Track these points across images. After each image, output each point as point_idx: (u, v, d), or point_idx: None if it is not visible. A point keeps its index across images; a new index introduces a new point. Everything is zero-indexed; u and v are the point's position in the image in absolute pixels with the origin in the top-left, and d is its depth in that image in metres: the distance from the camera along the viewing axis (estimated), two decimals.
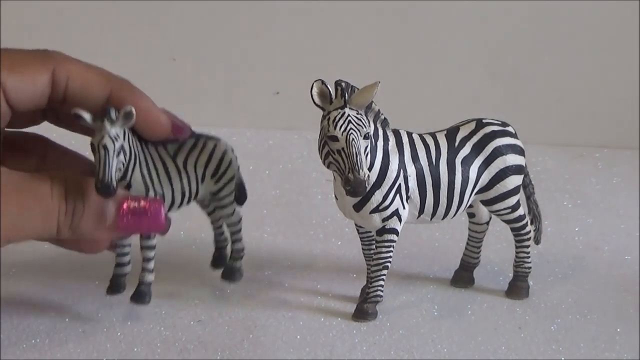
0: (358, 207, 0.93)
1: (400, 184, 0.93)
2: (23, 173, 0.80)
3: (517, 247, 1.02)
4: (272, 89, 1.69)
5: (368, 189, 0.88)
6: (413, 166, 0.94)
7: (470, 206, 1.01)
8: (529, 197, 1.03)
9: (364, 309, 0.96)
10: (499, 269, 1.09)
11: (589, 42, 1.69)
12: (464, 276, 1.06)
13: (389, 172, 0.92)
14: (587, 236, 1.25)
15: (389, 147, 0.93)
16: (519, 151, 0.98)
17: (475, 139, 0.97)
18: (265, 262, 1.11)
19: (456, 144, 0.96)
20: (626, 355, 0.91)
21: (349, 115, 0.86)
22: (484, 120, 0.99)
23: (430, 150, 0.95)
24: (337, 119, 0.85)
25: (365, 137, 0.87)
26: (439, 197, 0.95)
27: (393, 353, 0.89)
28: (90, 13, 1.63)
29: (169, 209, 0.92)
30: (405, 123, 1.00)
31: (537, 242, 1.04)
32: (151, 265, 0.93)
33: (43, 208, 0.79)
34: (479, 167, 0.96)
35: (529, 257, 1.02)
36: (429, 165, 0.95)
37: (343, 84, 0.87)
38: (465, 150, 0.96)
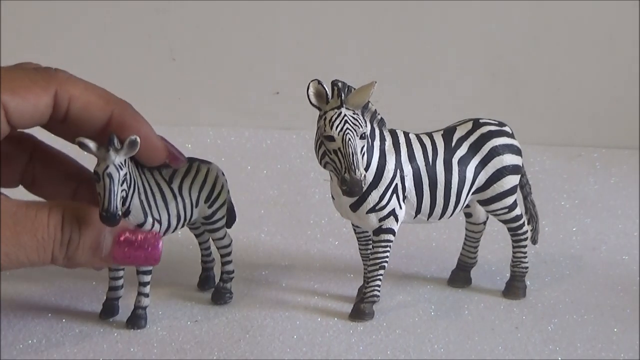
0: (355, 207, 0.93)
1: (397, 184, 0.93)
2: (21, 201, 0.81)
3: (514, 247, 1.02)
4: (272, 89, 1.69)
5: (364, 189, 0.87)
6: (410, 166, 0.94)
7: (467, 206, 1.01)
8: (526, 197, 1.03)
9: (361, 309, 0.96)
10: (496, 268, 1.09)
11: (589, 42, 1.69)
12: (461, 276, 1.06)
13: (385, 172, 0.92)
14: (585, 236, 1.25)
15: (386, 147, 0.93)
16: (516, 151, 0.98)
17: (472, 138, 0.97)
18: (262, 262, 1.11)
19: (453, 143, 0.97)
20: (623, 355, 0.91)
21: (345, 115, 0.86)
22: (480, 120, 0.99)
23: (427, 150, 0.95)
24: (334, 118, 0.86)
25: (362, 137, 0.87)
26: (435, 197, 0.95)
27: (390, 353, 0.89)
28: (91, 13, 1.63)
29: (165, 233, 0.92)
30: (405, 123, 1.01)
31: (534, 242, 1.05)
32: (147, 289, 0.93)
33: (39, 238, 0.79)
34: (476, 167, 0.96)
35: (526, 257, 1.02)
36: (425, 165, 0.95)
37: (340, 84, 0.87)
38: (462, 150, 0.96)
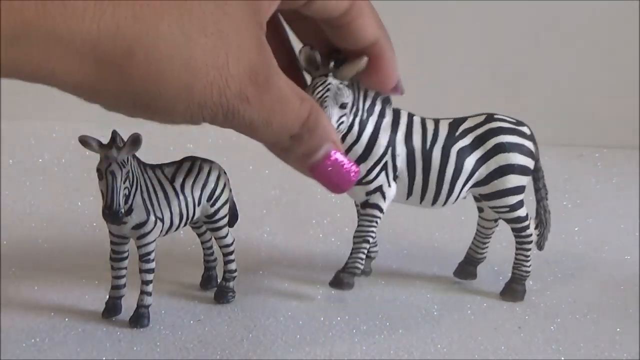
0: None
1: (387, 162, 0.95)
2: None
3: (516, 249, 1.02)
4: None
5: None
6: (404, 146, 0.95)
7: (479, 200, 1.01)
8: (539, 201, 1.02)
9: (340, 277, 0.98)
10: (499, 268, 1.09)
11: (589, 42, 1.69)
12: (466, 269, 1.06)
13: (375, 147, 0.94)
14: (587, 236, 1.25)
15: (383, 124, 0.94)
16: (526, 152, 0.97)
17: (479, 131, 0.97)
18: (264, 262, 1.11)
19: (457, 133, 0.97)
20: (626, 355, 0.91)
21: (329, 83, 0.88)
22: (495, 116, 0.99)
23: (427, 134, 0.96)
24: (317, 85, 0.88)
25: (342, 106, 0.89)
26: (428, 181, 0.96)
27: (393, 353, 0.89)
28: None
29: (167, 232, 0.93)
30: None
31: (539, 247, 1.03)
32: (150, 288, 0.93)
33: (297, 110, 0.69)
34: (477, 160, 0.96)
35: (527, 260, 1.02)
36: (422, 148, 0.96)
37: (340, 56, 0.86)
38: (466, 141, 0.96)
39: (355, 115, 0.93)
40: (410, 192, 0.97)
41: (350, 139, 0.94)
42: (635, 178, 1.51)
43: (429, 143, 0.96)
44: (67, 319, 0.93)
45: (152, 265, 0.93)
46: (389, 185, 0.96)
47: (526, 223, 1.00)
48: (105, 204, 0.82)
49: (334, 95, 0.88)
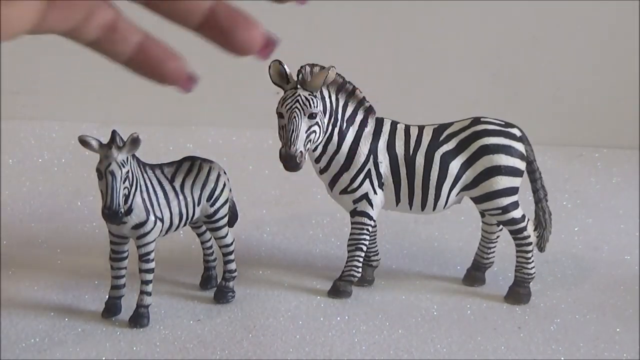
0: (331, 187, 0.99)
1: (370, 169, 0.96)
2: None
3: (516, 251, 1.02)
4: (272, 89, 1.69)
5: (301, 165, 0.91)
6: (387, 154, 0.97)
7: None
8: (537, 203, 1.01)
9: (337, 286, 1.01)
10: (498, 269, 1.09)
11: (589, 42, 1.69)
12: (474, 275, 1.06)
13: (356, 156, 0.96)
14: (587, 236, 1.25)
15: (364, 133, 0.96)
16: (513, 153, 0.97)
17: (463, 135, 0.97)
18: (264, 262, 1.11)
19: (441, 137, 0.97)
20: (625, 354, 0.91)
21: (299, 95, 0.91)
22: (481, 119, 0.99)
23: (409, 141, 0.97)
24: (287, 97, 0.91)
25: (311, 116, 0.91)
26: (413, 187, 0.97)
27: (392, 353, 0.89)
28: None
29: (167, 232, 0.93)
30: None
31: (540, 249, 1.02)
32: (149, 288, 0.93)
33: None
34: (462, 164, 0.96)
35: (529, 262, 1.01)
36: (405, 154, 0.97)
37: (307, 68, 0.91)
38: (449, 145, 0.97)
39: (334, 126, 0.95)
40: (398, 199, 0.98)
41: (331, 148, 0.96)
42: (635, 178, 1.51)
43: (412, 149, 0.97)
44: (67, 319, 0.93)
45: (152, 265, 0.93)
46: (375, 193, 0.97)
47: (522, 225, 0.99)
48: (105, 203, 0.82)
49: (302, 107, 0.90)
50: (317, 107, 0.91)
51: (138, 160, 0.90)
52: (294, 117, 0.90)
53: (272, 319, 0.95)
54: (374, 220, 0.99)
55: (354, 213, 0.99)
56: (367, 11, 1.66)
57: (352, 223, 0.99)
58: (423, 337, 0.92)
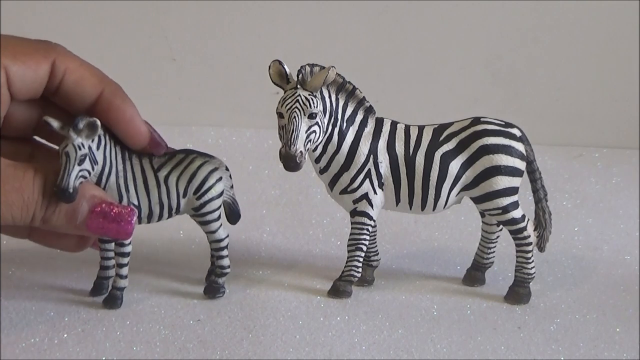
0: (330, 187, 0.99)
1: (370, 169, 0.96)
2: (7, 160, 0.83)
3: (516, 251, 1.01)
4: (272, 89, 1.69)
5: (301, 165, 0.91)
6: (387, 154, 0.97)
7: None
8: (537, 203, 1.01)
9: (337, 286, 1.01)
10: (498, 269, 1.09)
11: (589, 42, 1.69)
12: (472, 275, 1.06)
13: (357, 156, 0.96)
14: (587, 236, 1.25)
15: (364, 133, 0.97)
16: (513, 153, 0.97)
17: (463, 135, 0.97)
18: (264, 262, 1.11)
19: (441, 137, 0.98)
20: (626, 355, 0.91)
21: (299, 95, 0.91)
22: (481, 119, 0.99)
23: (409, 141, 0.97)
24: (287, 97, 0.91)
25: (311, 116, 0.91)
26: (413, 187, 0.97)
27: (392, 353, 0.89)
28: (91, 13, 1.63)
29: (149, 220, 0.95)
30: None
31: (540, 249, 1.02)
32: (124, 271, 0.96)
33: (24, 198, 0.82)
34: (462, 164, 0.97)
35: (529, 262, 1.01)
36: (405, 154, 0.97)
37: (307, 68, 0.91)
38: (450, 145, 0.97)
39: (334, 126, 0.95)
40: (398, 199, 0.98)
41: (331, 148, 0.96)
42: (635, 178, 1.51)
43: (412, 149, 0.97)
44: (66, 319, 0.93)
45: (129, 249, 0.95)
46: (375, 193, 0.97)
47: (522, 225, 0.99)
48: (55, 181, 0.84)
49: (302, 107, 0.90)
50: (317, 107, 0.91)
51: (122, 147, 0.91)
52: (294, 117, 0.90)
53: (271, 319, 0.95)
54: (374, 220, 0.99)
55: (354, 213, 0.99)
56: (367, 11, 1.66)
57: (352, 223, 0.99)
58: (423, 337, 0.92)
